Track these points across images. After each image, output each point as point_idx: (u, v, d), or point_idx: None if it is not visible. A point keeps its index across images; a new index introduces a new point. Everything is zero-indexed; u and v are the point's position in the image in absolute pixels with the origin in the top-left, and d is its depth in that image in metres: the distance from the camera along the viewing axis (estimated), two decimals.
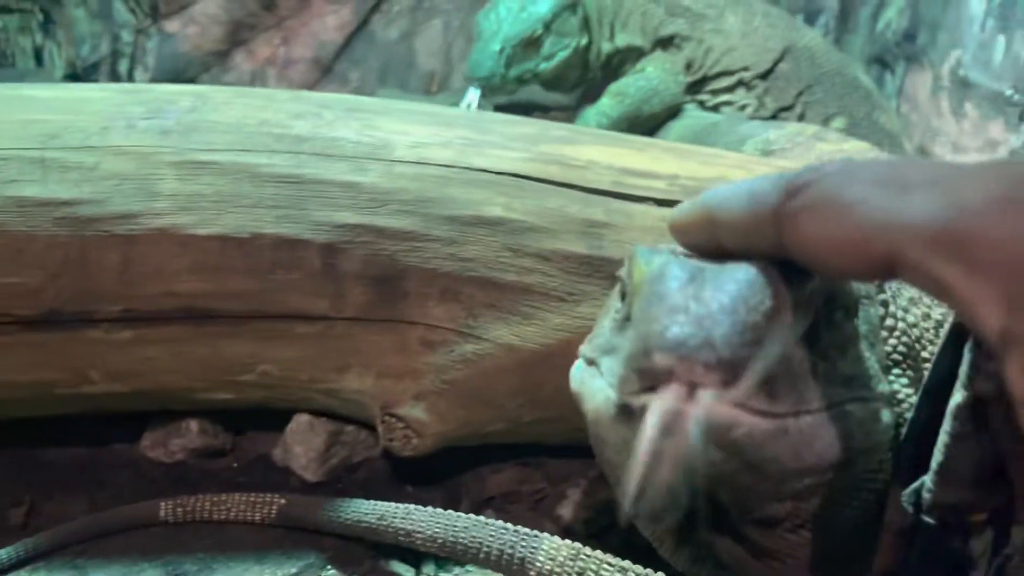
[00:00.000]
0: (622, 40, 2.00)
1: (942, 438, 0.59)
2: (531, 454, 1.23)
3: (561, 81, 2.01)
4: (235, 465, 1.21)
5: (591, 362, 0.64)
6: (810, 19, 2.52)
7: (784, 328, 0.53)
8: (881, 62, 2.42)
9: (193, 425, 1.18)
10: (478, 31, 1.92)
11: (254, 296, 1.06)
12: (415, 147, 1.10)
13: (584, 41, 1.93)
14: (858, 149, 1.33)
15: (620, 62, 2.02)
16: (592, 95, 2.04)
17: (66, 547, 1.05)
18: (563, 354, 1.09)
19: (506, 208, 1.08)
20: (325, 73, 2.58)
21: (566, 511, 1.17)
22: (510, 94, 1.98)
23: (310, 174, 1.06)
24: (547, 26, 1.88)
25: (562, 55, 1.90)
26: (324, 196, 1.05)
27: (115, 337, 1.05)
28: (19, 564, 1.02)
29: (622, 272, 0.62)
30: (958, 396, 0.58)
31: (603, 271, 1.09)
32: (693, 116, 1.95)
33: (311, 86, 2.59)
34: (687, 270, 0.54)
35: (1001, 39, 1.84)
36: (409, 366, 1.08)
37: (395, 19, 2.54)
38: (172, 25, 2.54)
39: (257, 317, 1.07)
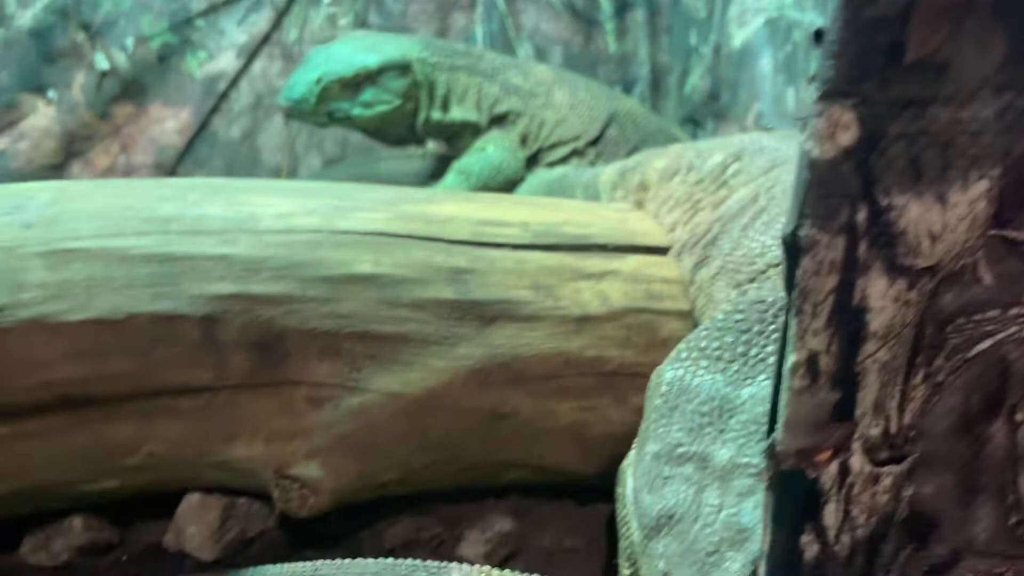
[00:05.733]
0: (458, 114, 2.11)
1: (783, 396, 0.70)
2: (423, 502, 1.27)
3: (381, 133, 2.09)
4: (125, 558, 1.17)
5: None
6: (626, 89, 2.77)
7: None
8: (693, 121, 2.68)
9: (76, 522, 1.14)
10: (306, 59, 2.00)
11: (133, 376, 1.06)
12: (282, 217, 1.15)
13: (410, 106, 2.01)
14: (704, 147, 1.44)
15: (456, 133, 2.14)
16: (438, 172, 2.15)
17: None
18: (446, 395, 1.16)
19: (375, 264, 1.14)
20: (167, 177, 2.57)
21: (466, 550, 1.21)
22: (320, 126, 2.02)
23: (181, 251, 1.09)
24: (371, 77, 1.97)
25: (381, 108, 1.97)
26: (197, 270, 1.08)
27: None
28: None
29: None
30: (791, 357, 0.69)
31: (473, 312, 1.17)
32: (537, 176, 2.08)
33: None
34: None
35: (790, 90, 2.10)
36: (298, 426, 1.11)
37: (236, 118, 2.58)
38: (1, 142, 2.48)
39: (138, 396, 1.07)
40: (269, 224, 1.14)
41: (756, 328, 0.99)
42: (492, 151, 2.14)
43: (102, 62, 2.45)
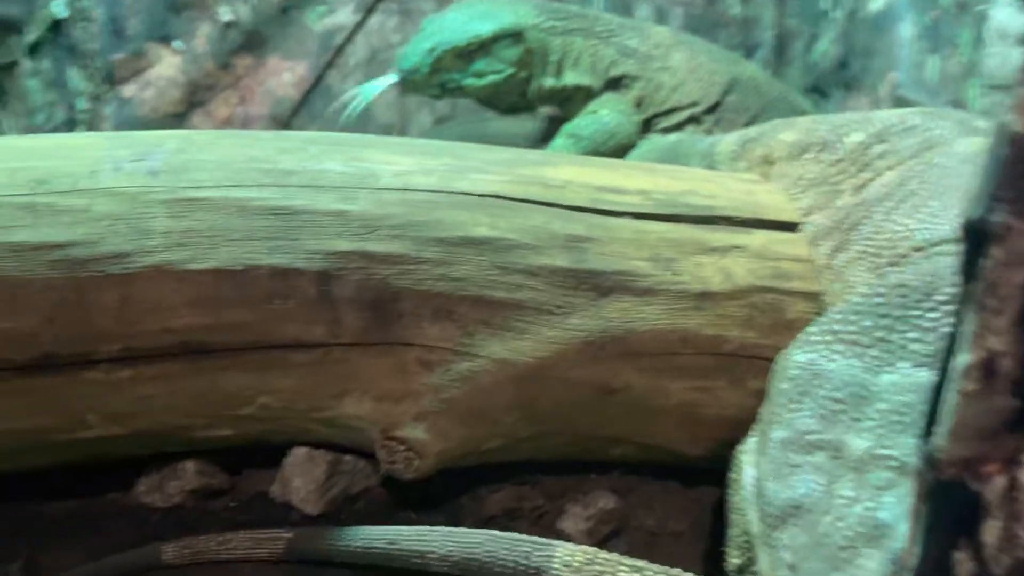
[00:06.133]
0: (571, 79, 2.05)
1: (952, 398, 0.63)
2: (526, 472, 1.25)
3: (493, 101, 2.04)
4: (233, 504, 1.20)
5: None
6: (748, 55, 2.64)
7: None
8: (818, 90, 2.54)
9: (190, 466, 1.17)
10: (421, 28, 1.98)
11: (250, 327, 1.07)
12: (400, 175, 1.13)
13: (523, 74, 1.96)
14: (839, 122, 1.29)
15: (569, 97, 2.08)
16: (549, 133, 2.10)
17: None
18: (557, 366, 1.13)
19: (491, 227, 1.12)
20: (283, 129, 2.61)
21: (567, 524, 1.19)
22: (433, 97, 2.00)
23: (300, 205, 1.08)
24: (484, 46, 1.92)
25: (493, 78, 1.93)
26: (315, 225, 1.08)
27: (114, 377, 1.05)
28: None
29: None
30: (965, 356, 0.62)
31: (588, 283, 1.13)
32: (650, 142, 2.01)
33: None
34: None
35: (932, 59, 1.96)
36: (407, 388, 1.10)
37: (351, 73, 2.59)
38: (129, 90, 2.56)
39: (254, 348, 1.08)
40: (388, 182, 1.12)
41: (897, 313, 0.92)
42: (605, 114, 2.07)
43: (226, 13, 2.49)
